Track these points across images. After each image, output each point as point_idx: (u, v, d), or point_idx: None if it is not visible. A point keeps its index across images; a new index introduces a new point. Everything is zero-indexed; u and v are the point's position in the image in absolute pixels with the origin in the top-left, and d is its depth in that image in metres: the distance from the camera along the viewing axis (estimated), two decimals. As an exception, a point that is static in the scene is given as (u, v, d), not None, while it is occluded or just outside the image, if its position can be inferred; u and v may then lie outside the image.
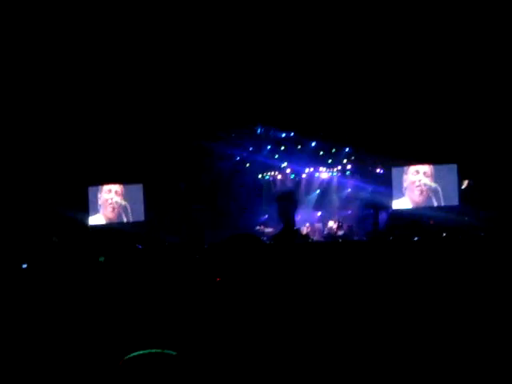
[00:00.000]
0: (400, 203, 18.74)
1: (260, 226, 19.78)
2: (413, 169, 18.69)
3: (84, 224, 19.48)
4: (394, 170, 18.96)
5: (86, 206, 19.63)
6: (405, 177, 18.76)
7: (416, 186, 18.65)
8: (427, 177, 18.54)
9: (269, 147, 20.42)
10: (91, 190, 19.80)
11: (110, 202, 19.80)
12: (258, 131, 20.14)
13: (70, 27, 14.73)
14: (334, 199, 20.56)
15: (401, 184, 18.80)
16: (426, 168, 18.57)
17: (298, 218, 20.08)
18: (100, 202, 19.81)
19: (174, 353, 2.27)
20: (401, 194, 18.76)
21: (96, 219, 19.78)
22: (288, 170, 21.16)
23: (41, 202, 17.77)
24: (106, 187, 19.81)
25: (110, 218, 19.81)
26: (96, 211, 19.79)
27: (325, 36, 15.41)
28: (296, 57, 15.95)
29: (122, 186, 19.83)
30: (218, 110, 17.49)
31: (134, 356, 2.23)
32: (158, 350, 2.25)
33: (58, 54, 15.58)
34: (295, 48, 15.72)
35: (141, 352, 2.24)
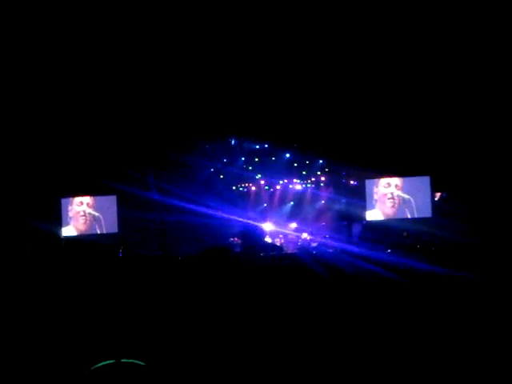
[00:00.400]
0: (372, 215, 18.76)
1: (233, 238, 19.72)
2: (384, 181, 18.69)
3: (57, 236, 19.28)
4: (367, 182, 18.98)
5: (59, 217, 19.43)
6: (376, 189, 18.76)
7: (388, 198, 18.67)
8: (399, 189, 18.56)
9: (243, 159, 20.39)
10: (64, 201, 19.59)
11: (81, 214, 19.59)
12: (233, 142, 20.13)
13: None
14: (308, 211, 20.57)
15: (374, 196, 18.83)
16: (398, 180, 18.61)
17: (269, 229, 20.23)
18: (71, 213, 19.58)
19: (143, 363, 2.23)
20: (373, 206, 18.77)
21: (67, 231, 19.57)
22: (262, 182, 21.15)
23: (13, 214, 17.57)
24: (77, 199, 19.60)
25: (81, 230, 19.59)
26: (67, 223, 19.58)
27: (297, 49, 15.45)
28: (270, 69, 15.97)
29: (94, 197, 19.66)
30: (192, 122, 17.43)
31: (101, 365, 2.18)
32: (127, 360, 2.21)
33: (34, 68, 15.49)
34: (268, 61, 15.74)
35: (109, 362, 2.19)
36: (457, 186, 17.36)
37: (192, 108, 17.05)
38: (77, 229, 19.60)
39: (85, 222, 19.60)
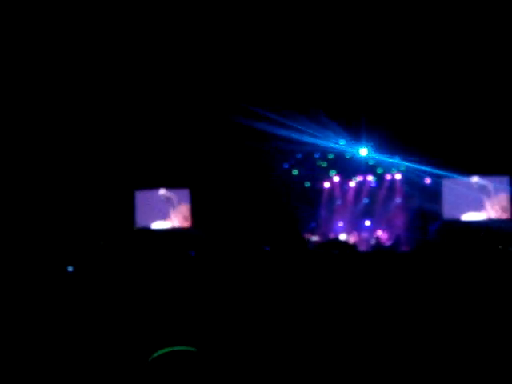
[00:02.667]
0: (452, 215, 18.53)
1: (306, 233, 19.69)
2: (463, 181, 18.44)
3: (132, 228, 19.66)
4: (445, 181, 18.74)
5: (132, 210, 19.80)
6: (455, 189, 18.56)
7: (466, 198, 18.42)
8: (479, 188, 18.27)
9: (317, 155, 20.28)
10: (139, 194, 19.90)
11: (166, 208, 19.93)
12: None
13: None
14: (383, 209, 20.33)
15: (451, 196, 18.61)
16: (477, 179, 18.30)
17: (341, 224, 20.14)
18: (149, 208, 19.92)
19: (195, 349, 2.24)
20: (452, 206, 18.55)
21: (159, 225, 19.87)
22: (336, 179, 21.00)
23: (88, 206, 17.99)
24: (154, 192, 19.93)
25: (159, 225, 19.95)
26: (144, 217, 19.90)
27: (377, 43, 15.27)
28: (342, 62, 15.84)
29: (170, 191, 19.96)
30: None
31: (158, 355, 2.20)
32: (181, 348, 2.22)
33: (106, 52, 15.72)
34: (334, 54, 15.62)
35: (165, 350, 2.21)
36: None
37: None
38: (165, 222, 19.93)
39: (169, 216, 19.91)
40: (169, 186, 19.78)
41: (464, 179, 18.42)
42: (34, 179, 17.44)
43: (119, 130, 17.84)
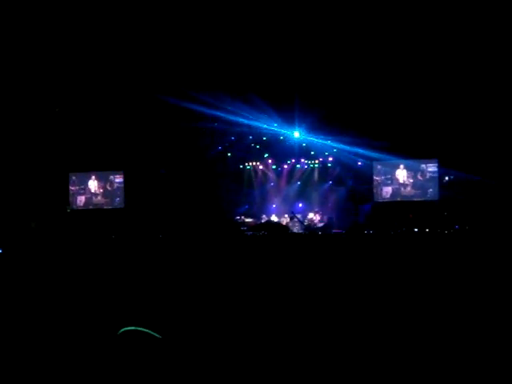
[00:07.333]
0: (380, 196, 18.87)
1: (240, 216, 19.80)
2: (393, 163, 18.80)
3: (64, 210, 19.55)
4: (375, 164, 19.05)
5: (66, 192, 19.74)
6: (385, 170, 18.91)
7: (396, 180, 18.77)
8: (407, 171, 18.66)
9: (251, 137, 20.36)
10: (73, 176, 19.90)
11: (91, 189, 19.92)
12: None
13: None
14: (315, 191, 20.56)
15: (381, 178, 18.93)
16: (406, 162, 18.69)
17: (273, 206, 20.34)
18: (82, 188, 19.93)
19: (159, 336, 2.32)
20: (382, 188, 18.89)
21: (77, 205, 19.92)
22: (270, 161, 21.16)
23: (20, 188, 17.76)
24: (87, 174, 19.89)
25: (91, 205, 19.90)
26: (77, 198, 19.90)
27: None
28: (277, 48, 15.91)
29: (103, 173, 19.91)
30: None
31: (124, 331, 2.28)
32: (146, 330, 2.30)
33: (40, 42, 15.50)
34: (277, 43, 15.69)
35: (131, 328, 2.28)
36: (465, 168, 17.31)
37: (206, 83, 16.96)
38: (87, 203, 19.94)
39: (95, 197, 19.93)
40: (103, 168, 19.73)
41: (394, 161, 18.78)
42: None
43: (53, 114, 17.62)
